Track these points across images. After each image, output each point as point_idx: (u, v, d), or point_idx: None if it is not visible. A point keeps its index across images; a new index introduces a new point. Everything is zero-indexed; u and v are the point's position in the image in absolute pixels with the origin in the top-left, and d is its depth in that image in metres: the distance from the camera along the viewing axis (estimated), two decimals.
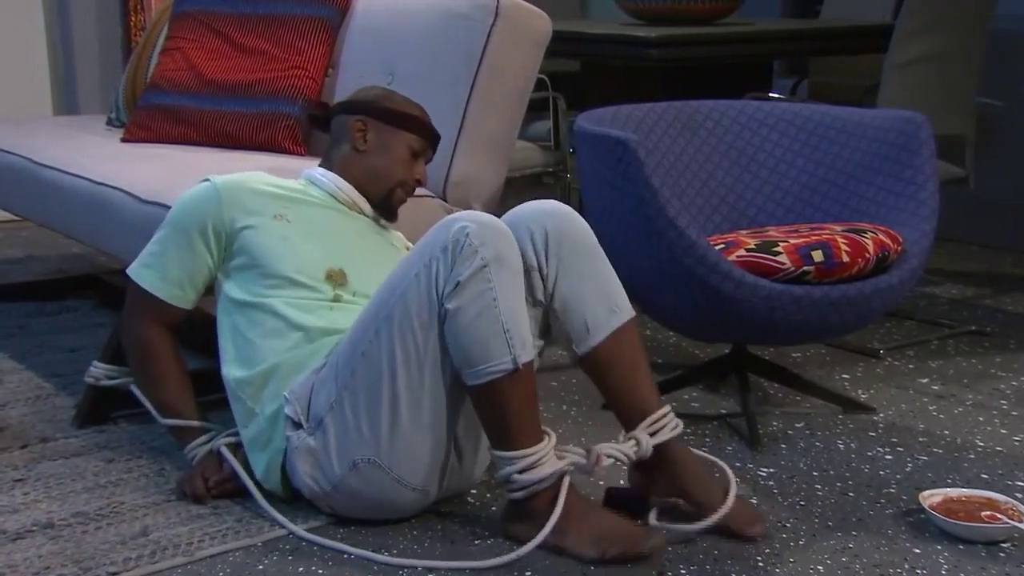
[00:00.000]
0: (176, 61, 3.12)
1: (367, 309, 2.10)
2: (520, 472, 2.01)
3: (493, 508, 2.24)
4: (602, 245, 2.59)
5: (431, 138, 2.43)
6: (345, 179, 2.40)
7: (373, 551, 2.06)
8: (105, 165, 2.80)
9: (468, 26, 2.72)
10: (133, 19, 5.09)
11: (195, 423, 2.32)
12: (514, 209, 2.17)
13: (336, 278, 2.27)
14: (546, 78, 3.40)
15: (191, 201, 2.30)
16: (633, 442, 2.11)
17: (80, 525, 2.16)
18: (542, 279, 2.13)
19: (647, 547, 1.99)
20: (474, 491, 2.31)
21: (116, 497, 2.28)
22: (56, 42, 5.00)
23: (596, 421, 2.69)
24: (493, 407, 2.01)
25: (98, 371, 2.59)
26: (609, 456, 2.08)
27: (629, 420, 2.14)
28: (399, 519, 2.16)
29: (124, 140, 3.10)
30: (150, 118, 3.08)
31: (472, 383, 2.00)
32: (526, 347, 1.99)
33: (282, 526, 2.14)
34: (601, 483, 2.32)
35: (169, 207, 2.47)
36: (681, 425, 2.15)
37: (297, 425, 2.13)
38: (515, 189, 4.42)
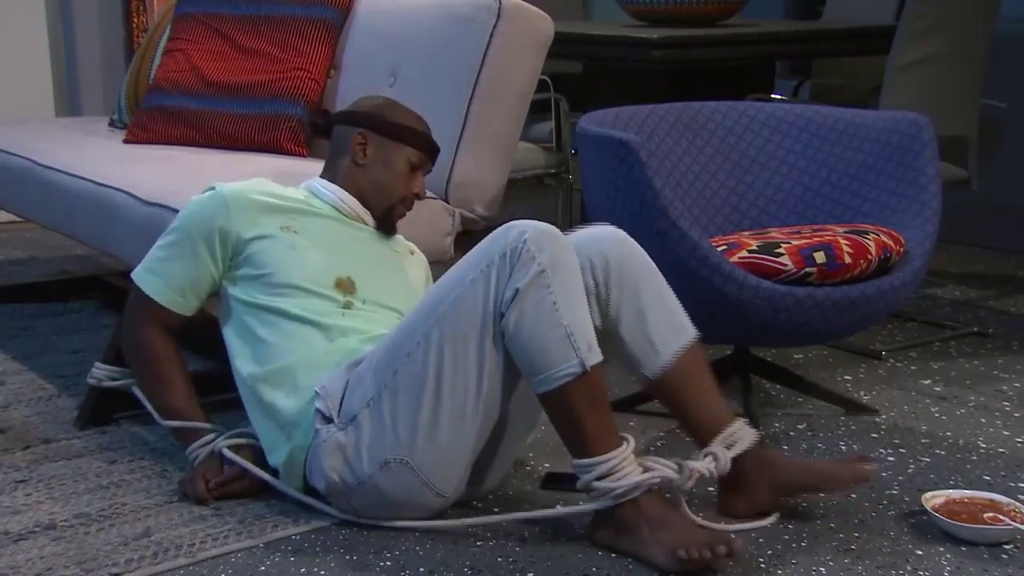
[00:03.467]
0: (178, 62, 3.12)
1: (414, 311, 2.09)
2: (599, 479, 1.99)
3: (495, 510, 2.24)
4: None
5: (431, 151, 2.43)
6: (348, 191, 2.40)
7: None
8: (108, 166, 2.81)
9: (470, 28, 2.72)
10: (135, 20, 5.10)
11: (196, 424, 2.32)
12: (569, 236, 2.17)
13: (345, 286, 2.28)
14: (548, 79, 3.40)
15: (198, 209, 2.30)
16: (711, 457, 2.10)
17: (82, 526, 2.16)
18: (599, 304, 2.13)
19: (726, 550, 1.93)
20: None
21: (118, 498, 2.28)
22: (58, 43, 5.01)
23: None
24: (565, 413, 2.00)
25: (100, 372, 2.60)
26: (694, 469, 2.08)
27: (703, 437, 2.14)
28: (403, 524, 2.16)
29: (126, 141, 3.11)
30: (152, 119, 3.08)
31: (541, 390, 2.00)
32: (592, 349, 1.99)
33: (321, 511, 2.17)
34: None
35: (172, 208, 2.47)
36: (756, 434, 2.16)
37: (327, 420, 2.13)
38: (517, 190, 4.42)
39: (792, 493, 2.19)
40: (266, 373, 2.22)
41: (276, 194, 2.34)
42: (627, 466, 2.00)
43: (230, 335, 2.30)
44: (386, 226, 2.43)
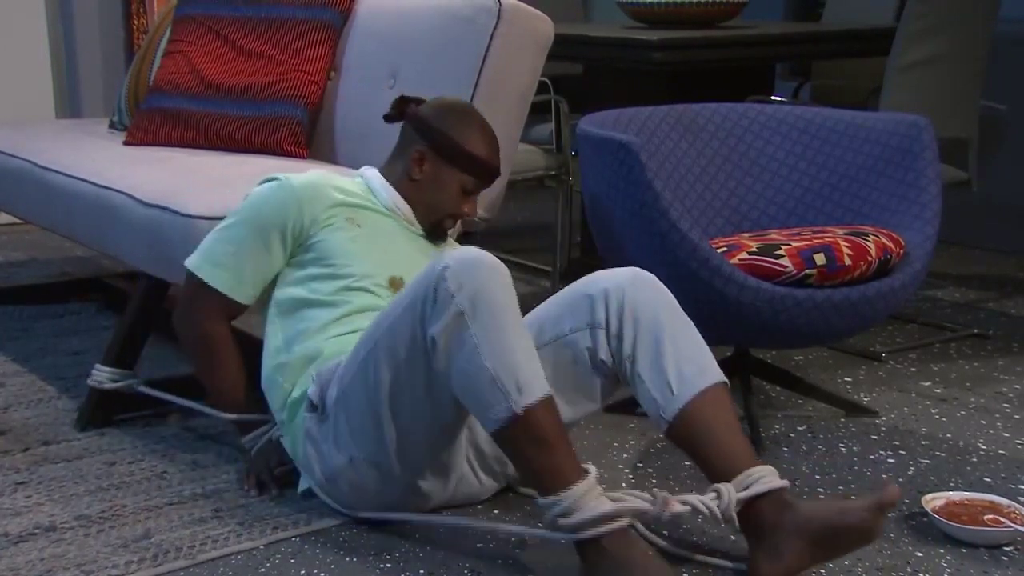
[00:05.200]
0: (178, 64, 3.12)
1: (369, 325, 2.09)
2: (561, 517, 1.87)
3: (495, 512, 2.24)
4: (604, 248, 2.60)
5: (488, 179, 2.37)
6: (402, 196, 2.38)
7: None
8: (108, 168, 2.81)
9: (470, 29, 2.72)
10: (135, 22, 5.09)
11: (256, 417, 2.34)
12: (598, 272, 2.13)
13: (397, 286, 2.28)
14: (548, 81, 3.40)
15: (269, 200, 2.27)
16: (714, 494, 1.93)
17: (82, 528, 2.16)
18: (608, 338, 2.08)
19: None
20: None
21: (118, 500, 2.28)
22: (59, 45, 5.01)
23: (598, 425, 2.69)
24: (512, 453, 1.91)
25: (101, 374, 2.61)
26: (684, 503, 1.90)
27: (721, 480, 1.97)
28: (400, 526, 2.16)
29: (127, 143, 3.11)
30: (152, 121, 3.08)
31: (486, 431, 1.93)
32: (525, 389, 1.87)
33: (343, 514, 2.17)
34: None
35: (172, 210, 2.47)
36: (782, 481, 1.94)
37: (313, 407, 2.14)
38: (517, 192, 4.43)
39: (825, 542, 1.89)
40: (291, 360, 2.22)
41: (339, 187, 2.33)
42: (589, 501, 1.86)
43: (269, 327, 2.29)
44: (435, 236, 2.40)
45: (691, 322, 2.08)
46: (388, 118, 2.42)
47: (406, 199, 2.37)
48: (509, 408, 1.87)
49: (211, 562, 2.05)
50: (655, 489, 1.92)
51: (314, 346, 2.20)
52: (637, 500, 1.89)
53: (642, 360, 2.05)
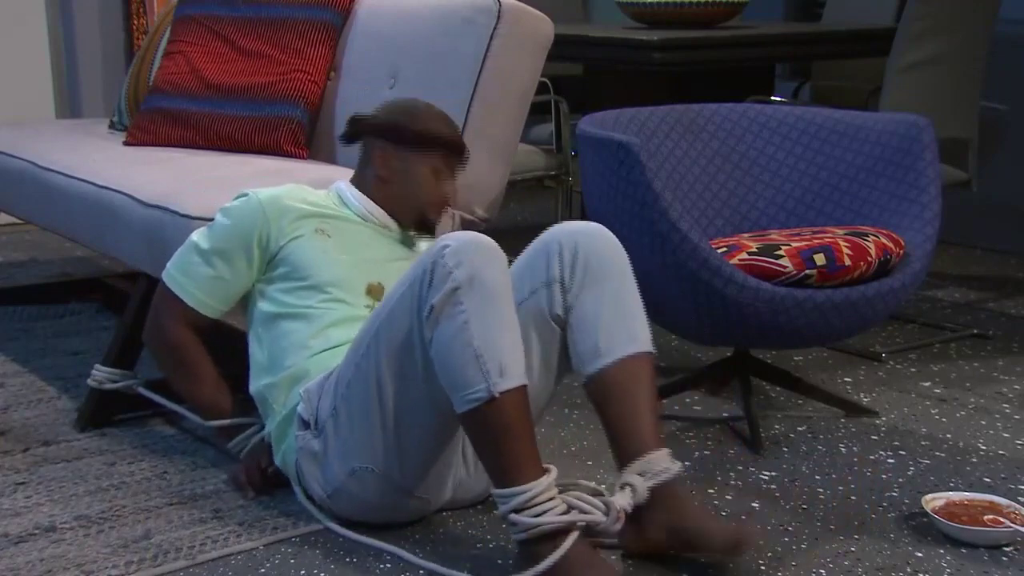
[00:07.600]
0: (178, 64, 3.12)
1: (365, 322, 2.09)
2: (515, 511, 1.87)
3: (495, 512, 2.24)
4: None
5: (455, 154, 2.37)
6: (375, 202, 2.38)
7: (374, 555, 2.06)
8: (108, 169, 2.81)
9: (470, 29, 2.72)
10: (136, 22, 5.10)
11: (240, 420, 2.33)
12: (555, 225, 2.14)
13: (375, 293, 2.28)
14: (548, 81, 3.40)
15: (236, 216, 2.29)
16: (629, 490, 1.96)
17: (82, 528, 2.16)
18: (563, 293, 2.09)
19: None
20: None
21: (118, 500, 2.28)
22: (59, 45, 5.01)
23: (599, 425, 2.69)
24: (478, 437, 1.90)
25: (101, 375, 2.61)
26: (621, 509, 1.95)
27: (623, 456, 2.01)
28: (401, 524, 2.16)
29: (127, 143, 3.11)
30: (152, 121, 3.08)
31: (456, 410, 1.93)
32: (506, 374, 1.87)
33: (323, 524, 2.15)
34: None
35: (171, 211, 2.48)
36: (679, 467, 2.00)
37: (306, 425, 2.14)
38: (517, 192, 4.42)
39: (683, 546, 1.97)
40: (278, 380, 2.22)
41: (308, 200, 2.34)
42: (544, 500, 1.87)
43: (253, 346, 2.30)
44: (423, 231, 2.39)
45: (636, 286, 2.10)
46: (346, 137, 2.41)
47: (383, 203, 2.37)
48: (487, 389, 1.87)
49: (211, 562, 2.05)
50: (606, 498, 1.95)
51: (300, 366, 2.20)
52: (593, 509, 1.91)
53: (578, 309, 2.07)
